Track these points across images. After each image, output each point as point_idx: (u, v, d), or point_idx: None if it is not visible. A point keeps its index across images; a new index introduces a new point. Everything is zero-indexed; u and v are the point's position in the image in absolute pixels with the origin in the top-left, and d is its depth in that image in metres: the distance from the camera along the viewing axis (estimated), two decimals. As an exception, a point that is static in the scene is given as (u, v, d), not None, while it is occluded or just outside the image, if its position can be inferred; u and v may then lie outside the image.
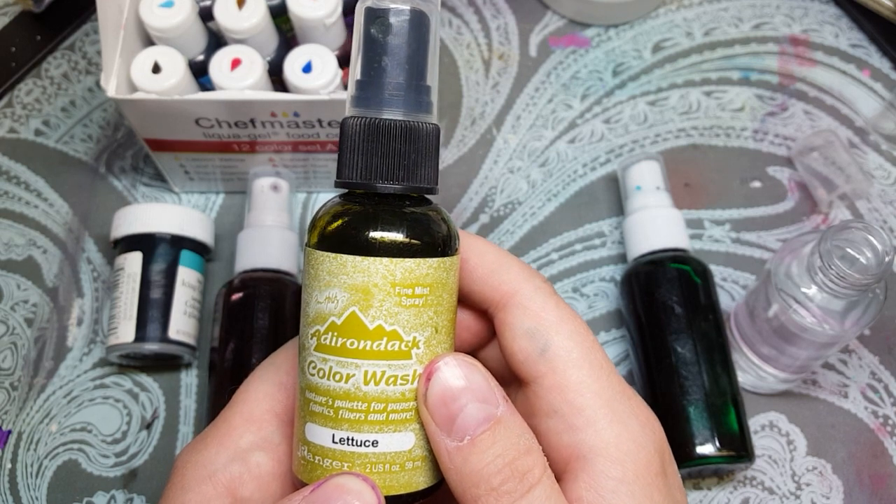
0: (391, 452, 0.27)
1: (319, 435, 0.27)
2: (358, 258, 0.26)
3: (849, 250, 0.37)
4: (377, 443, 0.26)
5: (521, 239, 0.51)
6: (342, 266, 0.26)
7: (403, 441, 0.27)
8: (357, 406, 0.26)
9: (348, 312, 0.26)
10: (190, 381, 0.47)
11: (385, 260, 0.26)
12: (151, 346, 0.44)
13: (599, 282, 0.50)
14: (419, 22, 0.27)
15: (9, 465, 0.45)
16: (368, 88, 0.27)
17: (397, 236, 0.26)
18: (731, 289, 0.49)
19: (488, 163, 0.53)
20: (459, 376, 0.26)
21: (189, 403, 0.46)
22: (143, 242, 0.46)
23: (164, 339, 0.44)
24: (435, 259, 0.27)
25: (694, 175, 0.52)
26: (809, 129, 0.54)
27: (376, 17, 0.26)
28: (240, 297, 0.45)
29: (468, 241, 0.29)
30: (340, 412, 0.26)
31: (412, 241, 0.26)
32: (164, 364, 0.47)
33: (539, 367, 0.28)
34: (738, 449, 0.41)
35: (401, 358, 0.26)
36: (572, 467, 0.27)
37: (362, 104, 0.27)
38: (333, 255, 0.26)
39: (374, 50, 0.27)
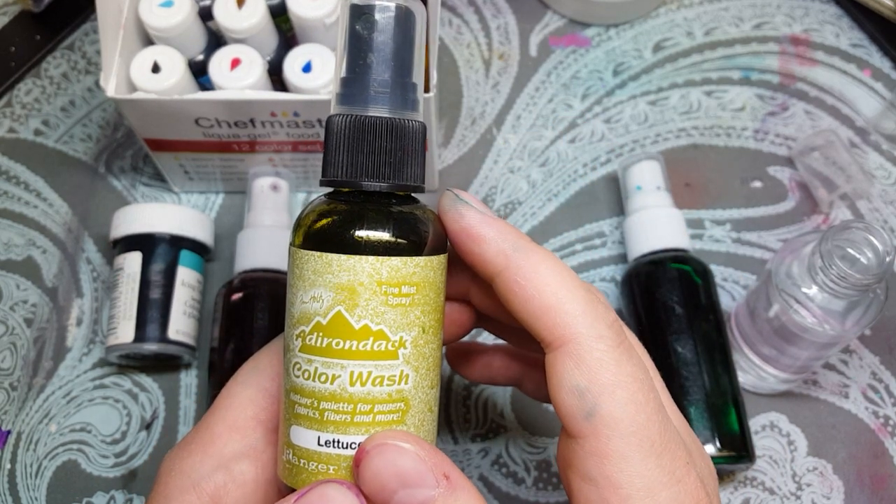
0: None
1: (305, 438, 0.26)
2: (343, 257, 0.25)
3: (849, 250, 0.37)
4: None
5: (522, 239, 0.51)
6: (327, 265, 0.26)
7: None
8: (343, 408, 0.26)
9: (334, 312, 0.26)
10: (190, 381, 0.47)
11: (371, 258, 0.25)
12: (151, 347, 0.44)
13: (600, 282, 0.50)
14: (404, 18, 0.26)
15: (8, 466, 0.45)
16: (354, 86, 0.27)
17: (383, 235, 0.26)
18: (731, 289, 0.49)
19: (488, 163, 0.53)
20: (388, 462, 0.24)
21: (189, 404, 0.46)
22: (143, 242, 0.46)
23: (164, 339, 0.44)
24: (422, 258, 0.26)
25: (694, 175, 0.52)
26: (810, 128, 0.54)
27: (361, 13, 0.26)
28: (240, 297, 0.45)
29: (530, 260, 0.27)
30: (326, 414, 0.26)
31: (398, 239, 0.26)
32: (164, 364, 0.47)
33: (583, 427, 0.26)
34: (739, 449, 0.41)
35: (387, 358, 0.26)
36: None
37: (347, 101, 0.27)
38: (319, 254, 0.26)
39: (359, 47, 0.26)
